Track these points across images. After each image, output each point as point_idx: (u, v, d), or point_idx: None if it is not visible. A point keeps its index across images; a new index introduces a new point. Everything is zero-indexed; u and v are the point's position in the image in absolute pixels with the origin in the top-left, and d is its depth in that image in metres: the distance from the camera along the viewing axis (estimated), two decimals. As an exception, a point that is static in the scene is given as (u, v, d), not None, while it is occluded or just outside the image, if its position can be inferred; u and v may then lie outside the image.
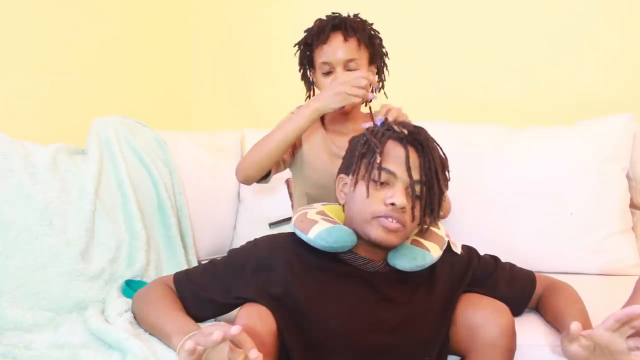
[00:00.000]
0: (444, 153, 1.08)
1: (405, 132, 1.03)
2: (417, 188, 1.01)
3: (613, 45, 1.84)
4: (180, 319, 0.99)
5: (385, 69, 1.45)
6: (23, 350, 0.99)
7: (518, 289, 1.16)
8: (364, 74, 1.25)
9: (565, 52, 1.88)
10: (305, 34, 1.43)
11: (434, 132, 1.08)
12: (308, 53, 1.42)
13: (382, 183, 1.00)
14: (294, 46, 1.44)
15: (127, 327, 1.03)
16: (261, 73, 2.18)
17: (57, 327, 1.09)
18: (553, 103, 1.91)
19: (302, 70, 1.47)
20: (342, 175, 1.10)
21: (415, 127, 1.06)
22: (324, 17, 1.41)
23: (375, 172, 1.00)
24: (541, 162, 1.61)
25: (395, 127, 1.04)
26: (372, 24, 1.43)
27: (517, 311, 1.15)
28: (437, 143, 1.07)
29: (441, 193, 1.04)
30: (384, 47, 1.44)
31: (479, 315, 1.04)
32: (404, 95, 2.03)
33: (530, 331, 1.13)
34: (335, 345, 1.02)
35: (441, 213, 1.33)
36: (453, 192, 1.60)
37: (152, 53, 2.12)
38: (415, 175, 1.00)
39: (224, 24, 2.25)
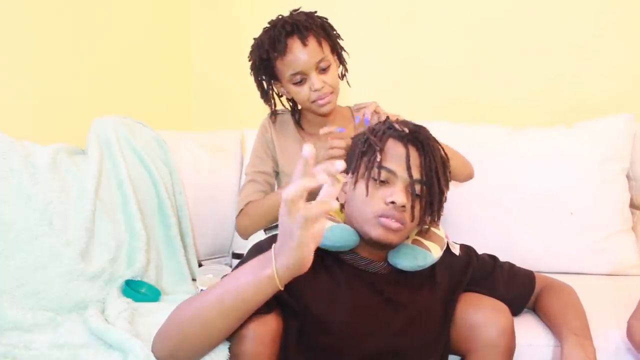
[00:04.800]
0: (445, 153, 1.08)
1: (406, 130, 1.03)
2: (417, 187, 1.00)
3: (613, 45, 1.84)
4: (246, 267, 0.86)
5: (343, 51, 1.39)
6: (23, 350, 0.99)
7: (517, 289, 1.16)
8: (335, 145, 1.21)
9: (565, 52, 1.88)
10: (255, 47, 1.34)
11: (434, 132, 1.08)
12: (267, 67, 1.33)
13: (382, 182, 1.00)
14: (249, 60, 1.37)
15: (127, 327, 1.03)
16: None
17: (57, 327, 1.09)
18: (553, 103, 1.91)
19: (261, 87, 1.38)
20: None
21: (416, 125, 1.06)
22: (267, 25, 1.34)
23: (375, 170, 1.00)
24: (541, 162, 1.61)
25: (396, 126, 1.04)
26: (315, 12, 1.35)
27: (516, 311, 1.15)
28: (438, 142, 1.07)
29: (441, 193, 1.03)
30: (335, 30, 1.36)
31: (479, 315, 1.04)
32: (404, 95, 2.04)
33: (530, 331, 1.14)
34: (340, 349, 1.01)
35: (466, 172, 1.37)
36: (453, 192, 1.61)
37: (152, 53, 2.12)
38: (416, 174, 1.00)
39: (224, 23, 2.26)
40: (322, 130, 1.26)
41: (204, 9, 2.28)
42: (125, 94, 2.00)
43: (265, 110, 1.47)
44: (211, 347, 0.90)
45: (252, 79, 1.41)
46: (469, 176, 1.41)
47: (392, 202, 0.98)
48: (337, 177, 0.76)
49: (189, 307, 0.88)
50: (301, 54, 1.28)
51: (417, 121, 1.11)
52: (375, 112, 1.23)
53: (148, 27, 2.11)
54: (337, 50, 1.37)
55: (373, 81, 2.02)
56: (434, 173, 1.01)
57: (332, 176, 0.74)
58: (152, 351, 0.90)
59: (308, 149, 0.71)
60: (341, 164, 0.72)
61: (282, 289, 0.82)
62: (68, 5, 1.76)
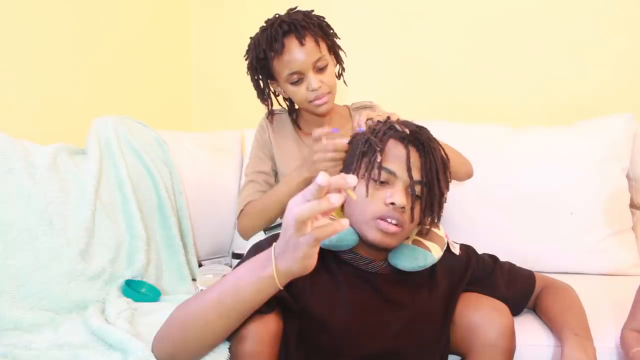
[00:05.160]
0: (445, 154, 1.07)
1: (407, 131, 1.02)
2: (417, 188, 1.00)
3: (613, 45, 1.84)
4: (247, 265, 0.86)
5: (340, 50, 1.39)
6: (23, 350, 0.99)
7: (517, 289, 1.16)
8: (330, 149, 1.16)
9: (565, 52, 1.88)
10: (252, 47, 1.34)
11: (434, 132, 1.08)
12: (263, 66, 1.33)
13: (382, 182, 1.00)
14: (246, 59, 1.37)
15: (127, 327, 1.03)
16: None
17: (57, 327, 1.09)
18: (553, 103, 1.91)
19: (258, 87, 1.38)
20: (342, 174, 1.09)
21: (418, 126, 1.06)
22: (264, 24, 1.33)
23: (376, 171, 0.99)
24: (541, 162, 1.61)
25: (397, 127, 1.03)
26: (312, 11, 1.34)
27: (516, 311, 1.15)
28: (439, 143, 1.06)
29: (441, 194, 1.03)
30: (332, 29, 1.35)
31: (479, 315, 1.04)
32: (404, 95, 2.04)
33: (530, 331, 1.14)
34: (339, 349, 1.01)
35: (465, 170, 1.37)
36: (453, 192, 1.61)
37: (152, 53, 2.12)
38: (416, 176, 1.00)
39: (224, 23, 2.26)
40: (315, 133, 1.22)
41: (204, 9, 2.28)
42: (125, 94, 2.00)
43: (266, 109, 1.47)
44: (211, 347, 0.90)
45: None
46: (468, 175, 1.41)
47: (392, 203, 0.98)
48: (349, 192, 0.77)
49: (188, 309, 0.88)
50: (298, 53, 1.27)
51: (417, 121, 1.11)
52: (369, 118, 1.20)
53: (148, 27, 2.11)
54: (334, 50, 1.36)
55: (372, 80, 2.02)
56: (435, 174, 1.01)
57: (344, 191, 0.74)
58: (152, 352, 0.90)
59: (323, 177, 0.71)
60: (353, 179, 0.73)
61: (282, 288, 0.82)
62: (68, 5, 1.76)
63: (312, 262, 0.79)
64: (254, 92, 1.41)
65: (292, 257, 0.78)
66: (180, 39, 2.27)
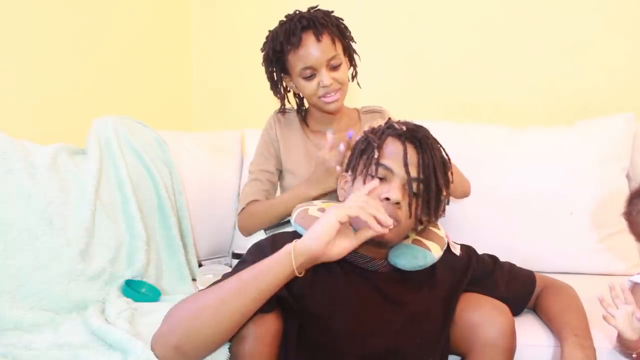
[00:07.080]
0: (447, 154, 1.07)
1: (404, 128, 1.03)
2: (415, 185, 1.00)
3: (613, 45, 1.84)
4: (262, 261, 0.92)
5: (355, 54, 1.41)
6: (23, 350, 0.99)
7: (517, 289, 1.16)
8: (333, 157, 1.22)
9: (565, 52, 1.88)
10: (270, 39, 1.35)
11: (434, 132, 1.08)
12: (279, 59, 1.35)
13: (379, 179, 1.00)
14: (262, 51, 1.37)
15: (127, 327, 1.03)
16: (261, 73, 2.18)
17: (57, 327, 1.09)
18: (553, 103, 1.91)
19: (272, 79, 1.39)
20: (343, 173, 1.10)
21: (416, 125, 1.06)
22: (284, 19, 1.35)
23: (373, 167, 1.00)
24: (541, 162, 1.61)
25: (395, 125, 1.04)
26: (332, 11, 1.36)
27: (516, 311, 1.15)
28: (440, 144, 1.06)
29: (439, 191, 1.03)
30: (349, 32, 1.38)
31: (479, 315, 1.04)
32: (403, 95, 2.04)
33: (530, 331, 1.14)
34: (339, 348, 1.01)
35: (461, 189, 1.37)
36: (453, 192, 1.61)
37: (152, 53, 2.12)
38: (413, 172, 1.00)
39: (224, 23, 2.26)
40: (329, 137, 1.24)
41: (204, 9, 2.28)
42: (125, 94, 2.00)
43: (267, 109, 1.47)
44: (222, 336, 0.89)
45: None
46: (464, 193, 1.41)
47: (387, 199, 0.98)
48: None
49: (201, 296, 0.90)
50: (314, 49, 1.29)
51: (417, 121, 1.11)
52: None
53: (148, 27, 2.11)
54: (349, 52, 1.38)
55: (372, 80, 2.01)
56: (432, 171, 1.01)
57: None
58: (153, 349, 0.88)
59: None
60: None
61: (295, 269, 0.88)
62: (68, 6, 1.76)
63: (325, 233, 0.89)
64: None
65: (311, 233, 0.90)
66: (180, 39, 2.27)
